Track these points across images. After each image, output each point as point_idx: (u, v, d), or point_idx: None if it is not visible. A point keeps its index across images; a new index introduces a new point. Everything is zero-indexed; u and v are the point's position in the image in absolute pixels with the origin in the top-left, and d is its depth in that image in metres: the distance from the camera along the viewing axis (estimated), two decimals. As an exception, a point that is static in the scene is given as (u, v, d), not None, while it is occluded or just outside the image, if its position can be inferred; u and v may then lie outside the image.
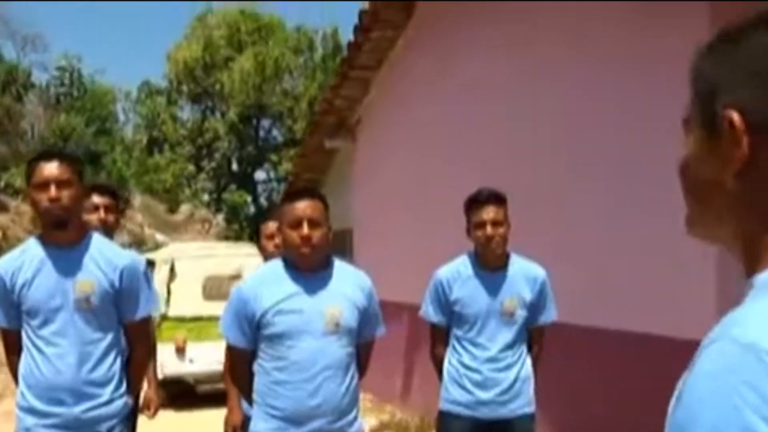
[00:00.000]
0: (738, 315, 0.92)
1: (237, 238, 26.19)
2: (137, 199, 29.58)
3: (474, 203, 4.36)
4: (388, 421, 9.12)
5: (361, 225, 11.47)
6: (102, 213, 4.83)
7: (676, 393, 0.95)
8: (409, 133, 9.81)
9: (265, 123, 33.40)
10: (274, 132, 33.68)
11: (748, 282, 0.99)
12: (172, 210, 31.27)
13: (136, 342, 3.97)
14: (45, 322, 3.61)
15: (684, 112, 1.10)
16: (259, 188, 32.69)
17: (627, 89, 5.73)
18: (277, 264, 3.74)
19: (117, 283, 3.73)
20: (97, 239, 3.81)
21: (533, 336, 4.54)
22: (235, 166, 33.19)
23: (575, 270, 6.21)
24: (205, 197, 33.06)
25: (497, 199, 4.36)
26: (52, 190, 3.56)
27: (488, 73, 7.87)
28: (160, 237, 25.91)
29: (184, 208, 31.78)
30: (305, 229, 3.55)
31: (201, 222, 31.46)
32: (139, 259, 4.96)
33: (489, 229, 4.30)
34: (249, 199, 31.25)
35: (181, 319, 10.84)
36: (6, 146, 23.09)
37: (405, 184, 9.85)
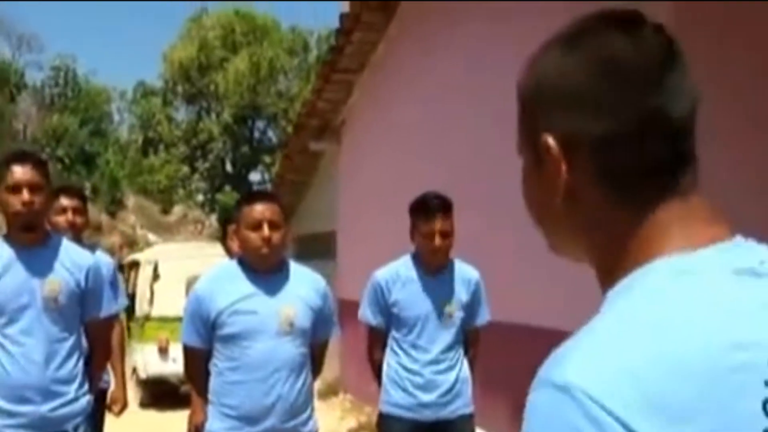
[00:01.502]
0: (562, 351, 0.88)
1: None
2: (130, 200, 29.60)
3: (422, 212, 4.32)
4: (366, 422, 9.17)
5: (346, 227, 11.53)
6: (70, 215, 4.88)
7: None
8: (392, 134, 9.87)
9: (260, 124, 33.52)
10: (269, 133, 33.81)
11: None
12: (166, 211, 31.30)
13: (98, 341, 4.03)
14: (11, 321, 3.65)
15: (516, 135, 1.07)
16: (253, 189, 32.74)
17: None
18: (232, 265, 3.80)
19: (83, 283, 3.79)
20: (63, 241, 3.88)
21: (470, 337, 4.58)
22: (229, 167, 33.28)
23: (552, 271, 6.29)
24: (199, 198, 33.14)
25: (446, 208, 4.32)
26: (25, 194, 3.60)
27: (470, 74, 7.93)
28: (152, 237, 25.95)
29: (178, 209, 31.81)
30: (266, 231, 3.61)
31: (194, 223, 31.49)
32: (107, 260, 5.03)
33: (438, 241, 4.29)
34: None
35: (164, 320, 10.89)
36: (-2, 146, 23.12)
37: (389, 185, 9.90)
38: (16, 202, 3.62)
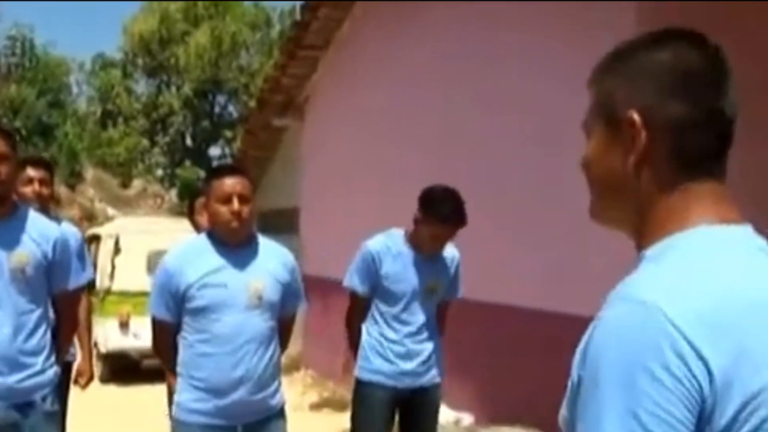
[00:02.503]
0: (631, 280, 1.13)
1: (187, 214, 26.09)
2: (89, 173, 29.27)
3: (439, 216, 4.34)
4: (329, 397, 9.24)
5: (309, 203, 11.55)
6: (36, 186, 4.85)
7: (581, 349, 1.16)
8: (356, 112, 9.90)
9: (221, 99, 33.28)
10: (230, 108, 33.60)
11: (638, 256, 1.22)
12: (125, 184, 30.98)
13: (66, 312, 4.05)
14: None
15: (584, 118, 1.31)
16: (213, 164, 32.54)
17: (559, 82, 5.89)
18: (201, 239, 3.83)
19: (50, 255, 3.80)
20: (29, 212, 3.86)
21: (441, 310, 4.71)
22: (189, 142, 33.04)
23: (509, 251, 6.40)
24: (159, 172, 32.86)
25: (460, 221, 4.37)
26: None
27: (435, 54, 7.98)
28: (111, 211, 25.71)
29: (137, 183, 31.50)
30: (236, 204, 3.64)
31: (153, 197, 31.23)
32: (74, 231, 5.01)
33: (442, 244, 4.49)
34: (203, 174, 31.09)
35: (125, 294, 10.86)
36: (-46, 117, 22.73)
37: (352, 162, 9.95)
38: None
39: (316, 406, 9.08)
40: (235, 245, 3.72)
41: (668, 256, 1.15)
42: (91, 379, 4.96)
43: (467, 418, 6.48)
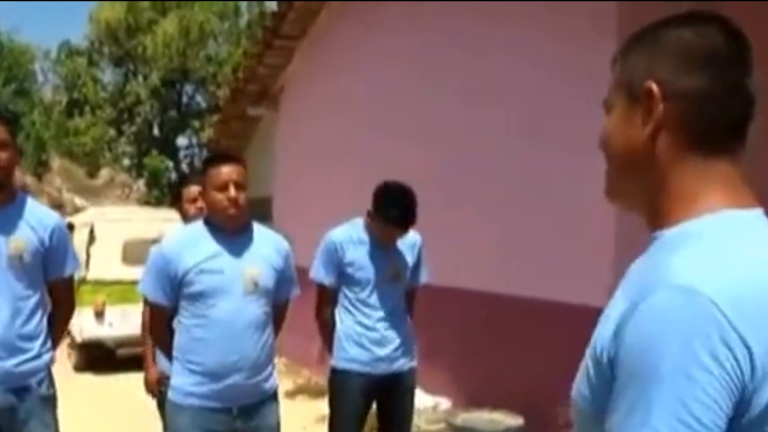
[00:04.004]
0: (668, 265, 1.14)
1: (158, 203, 25.95)
2: (56, 162, 29.00)
3: (385, 216, 4.50)
4: (304, 385, 9.33)
5: (282, 192, 11.61)
6: None
7: (613, 331, 1.15)
8: (331, 102, 9.96)
9: (188, 88, 33.05)
10: (197, 97, 33.36)
11: (650, 235, 1.26)
12: (92, 174, 30.70)
13: (62, 299, 4.11)
14: None
15: (606, 96, 1.36)
16: (181, 154, 32.38)
17: (541, 77, 6.01)
18: (198, 225, 3.90)
19: (47, 242, 3.86)
20: (28, 199, 3.92)
21: (408, 295, 4.88)
22: (156, 131, 32.79)
23: (485, 240, 6.53)
24: (126, 162, 32.60)
25: (408, 223, 4.52)
26: None
27: (411, 45, 8.06)
28: (79, 201, 25.51)
29: (104, 173, 31.23)
30: (232, 192, 3.73)
31: (121, 187, 31.00)
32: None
33: (392, 240, 4.63)
34: (170, 164, 30.93)
35: (100, 283, 10.86)
36: None
37: (326, 152, 10.02)
38: None
39: (291, 394, 9.15)
40: (232, 232, 3.81)
41: (697, 241, 1.17)
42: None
43: (445, 403, 6.60)
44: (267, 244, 3.92)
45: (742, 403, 1.07)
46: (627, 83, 1.30)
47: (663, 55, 1.26)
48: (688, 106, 1.23)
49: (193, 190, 4.78)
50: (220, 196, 3.73)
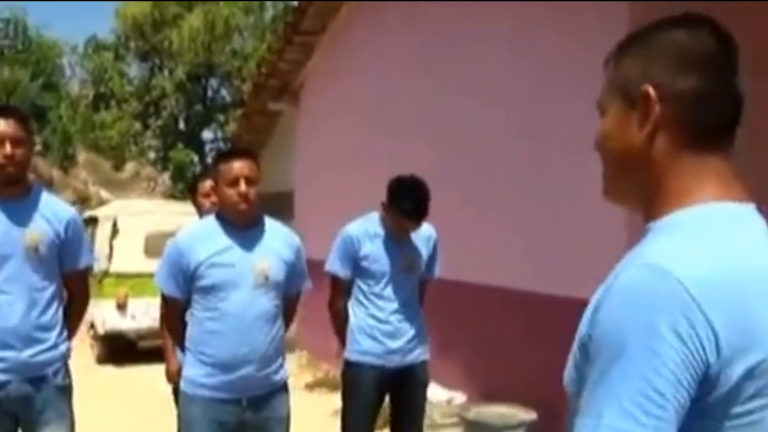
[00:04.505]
0: (644, 248, 1.21)
1: (183, 197, 26.12)
2: (82, 156, 29.28)
3: (398, 208, 4.56)
4: (323, 378, 9.39)
5: (303, 187, 11.67)
6: (8, 147, 4.82)
7: (592, 308, 1.23)
8: (350, 98, 10.00)
9: (214, 82, 33.22)
10: (222, 92, 33.54)
11: (645, 228, 1.30)
12: (118, 167, 30.99)
13: (77, 290, 4.18)
14: None
15: (598, 97, 1.40)
16: (206, 147, 32.57)
17: (553, 78, 6.03)
18: (211, 220, 3.96)
19: (62, 234, 3.94)
20: (43, 193, 4.00)
21: (420, 289, 4.92)
22: (182, 125, 32.99)
23: (500, 235, 6.56)
24: (152, 155, 32.85)
25: (421, 215, 4.58)
26: (8, 147, 3.73)
27: (429, 41, 8.09)
28: (104, 194, 25.76)
29: (130, 166, 31.51)
30: (243, 187, 3.77)
31: (147, 180, 31.25)
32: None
33: (406, 232, 4.68)
34: (195, 158, 31.12)
35: (122, 276, 10.96)
36: (-52, 98, 22.71)
37: (346, 147, 10.06)
38: None
39: (310, 387, 9.23)
40: (243, 226, 3.86)
41: (680, 228, 1.23)
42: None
43: (459, 397, 6.64)
44: (278, 239, 3.98)
45: (706, 382, 1.11)
46: (622, 86, 1.34)
47: (658, 57, 1.30)
48: (683, 107, 1.28)
49: (208, 184, 4.84)
50: (231, 191, 3.78)
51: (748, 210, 1.29)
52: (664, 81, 1.28)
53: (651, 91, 1.28)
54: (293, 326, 10.71)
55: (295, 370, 10.13)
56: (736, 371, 1.12)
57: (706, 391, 1.12)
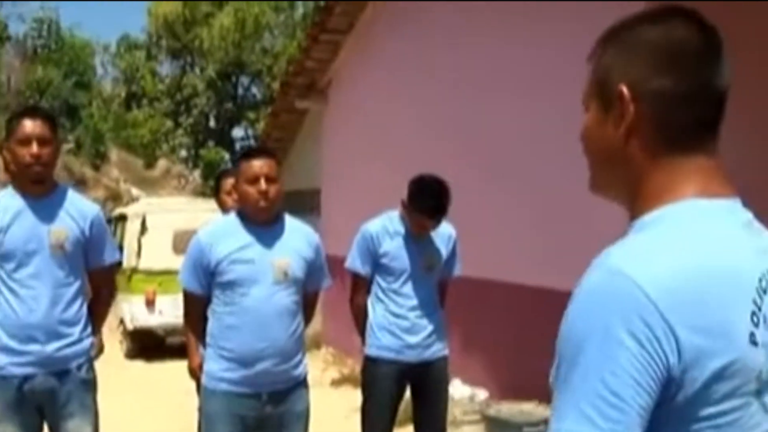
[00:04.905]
0: (610, 250, 1.19)
1: (212, 194, 26.28)
2: (114, 154, 29.58)
3: (418, 207, 4.60)
4: (349, 374, 9.44)
5: (330, 184, 11.73)
6: (35, 147, 4.86)
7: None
8: (377, 95, 10.04)
9: (244, 80, 33.45)
10: (253, 89, 33.78)
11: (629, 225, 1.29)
12: (149, 165, 31.29)
13: (102, 286, 4.27)
14: (20, 266, 3.87)
15: (583, 94, 1.38)
16: (237, 145, 32.79)
17: (576, 76, 6.02)
18: (232, 217, 4.03)
19: (87, 232, 4.02)
20: (69, 191, 4.10)
21: (441, 287, 4.95)
22: (212, 123, 33.25)
23: (523, 233, 6.57)
24: (183, 153, 33.13)
25: (440, 215, 4.62)
26: (34, 147, 3.82)
27: (456, 38, 8.11)
28: (135, 192, 26.00)
29: (161, 164, 31.81)
30: (263, 185, 3.84)
31: (177, 178, 31.52)
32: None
33: (426, 230, 4.71)
34: (226, 155, 31.33)
35: (151, 272, 11.07)
36: (-18, 98, 23.02)
37: (372, 145, 10.11)
38: (25, 154, 3.82)
39: (336, 383, 9.30)
40: (263, 224, 3.92)
41: (650, 228, 1.22)
42: (101, 350, 4.88)
43: (482, 394, 6.67)
44: (298, 236, 4.03)
45: (671, 384, 1.11)
46: (599, 83, 1.32)
47: (633, 55, 1.27)
48: (659, 107, 1.25)
49: (230, 182, 4.90)
50: (251, 189, 3.84)
51: (729, 205, 1.26)
52: (639, 80, 1.25)
53: (625, 91, 1.25)
54: (319, 323, 10.81)
55: (322, 365, 10.21)
56: (704, 372, 1.11)
57: (673, 393, 1.11)
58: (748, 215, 1.28)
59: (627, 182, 1.30)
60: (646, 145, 1.26)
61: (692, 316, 1.11)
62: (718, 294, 1.14)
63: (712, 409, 1.13)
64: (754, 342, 1.16)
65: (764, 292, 1.20)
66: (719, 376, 1.12)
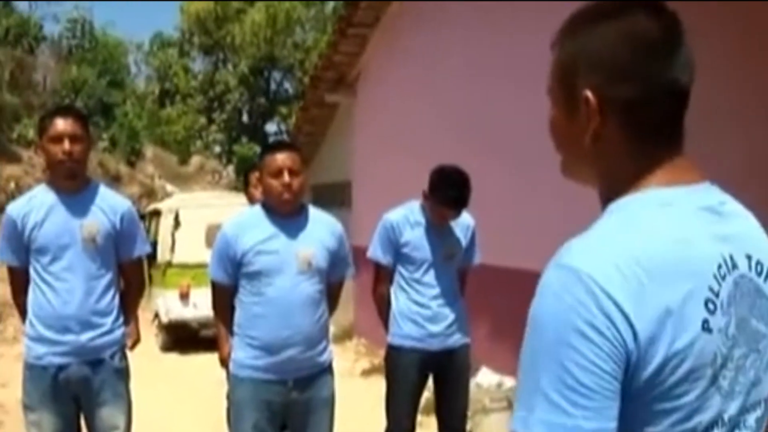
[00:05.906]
0: (566, 245, 1.22)
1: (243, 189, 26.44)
2: (149, 151, 29.89)
3: (439, 198, 4.67)
4: (379, 365, 9.52)
5: (360, 177, 11.82)
6: (66, 144, 4.94)
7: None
8: (406, 88, 10.11)
9: (276, 75, 33.59)
10: (285, 84, 33.90)
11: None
12: (183, 161, 31.60)
13: (133, 278, 4.42)
14: (54, 259, 4.02)
15: (548, 82, 1.37)
16: (270, 140, 32.92)
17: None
18: (257, 209, 4.14)
19: (118, 226, 4.17)
20: (100, 186, 4.25)
21: (460, 276, 5.02)
22: (245, 119, 33.45)
23: (554, 221, 6.62)
24: (216, 149, 33.38)
25: (460, 206, 4.70)
26: (66, 144, 3.97)
27: (482, 32, 8.15)
28: (170, 188, 26.28)
29: (195, 160, 32.11)
30: (286, 177, 3.95)
31: (211, 173, 31.79)
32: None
33: (446, 220, 4.79)
34: (259, 151, 31.45)
35: (185, 266, 11.23)
36: (18, 98, 23.36)
37: (402, 137, 10.17)
38: (58, 151, 3.97)
39: (367, 373, 9.40)
40: (287, 215, 4.03)
41: (608, 220, 1.25)
42: (137, 341, 5.00)
43: (509, 382, 6.73)
44: (321, 227, 4.13)
45: (629, 367, 1.14)
46: (565, 82, 1.32)
47: (596, 58, 1.27)
48: (624, 110, 1.26)
49: (257, 176, 5.01)
50: (275, 182, 3.95)
51: (691, 191, 1.28)
52: (603, 85, 1.26)
53: (591, 97, 1.26)
54: (351, 314, 10.89)
55: (353, 356, 10.31)
56: (656, 357, 1.14)
57: (631, 376, 1.14)
58: (718, 199, 1.30)
59: (595, 173, 1.33)
60: (613, 147, 1.28)
61: (644, 302, 1.14)
62: (669, 281, 1.16)
63: (668, 392, 1.17)
64: (707, 329, 1.19)
65: (723, 278, 1.23)
66: (670, 360, 1.15)
